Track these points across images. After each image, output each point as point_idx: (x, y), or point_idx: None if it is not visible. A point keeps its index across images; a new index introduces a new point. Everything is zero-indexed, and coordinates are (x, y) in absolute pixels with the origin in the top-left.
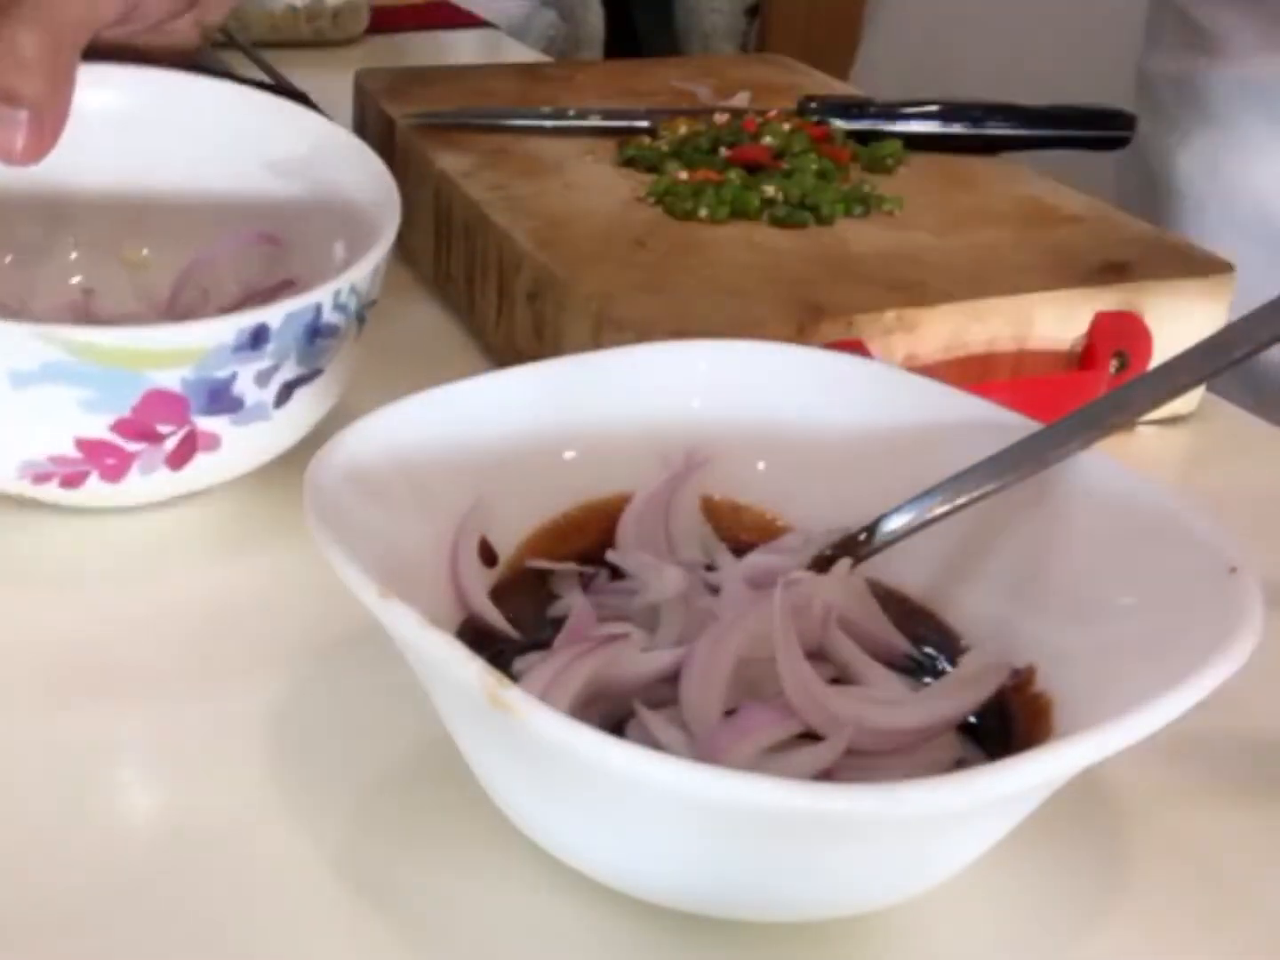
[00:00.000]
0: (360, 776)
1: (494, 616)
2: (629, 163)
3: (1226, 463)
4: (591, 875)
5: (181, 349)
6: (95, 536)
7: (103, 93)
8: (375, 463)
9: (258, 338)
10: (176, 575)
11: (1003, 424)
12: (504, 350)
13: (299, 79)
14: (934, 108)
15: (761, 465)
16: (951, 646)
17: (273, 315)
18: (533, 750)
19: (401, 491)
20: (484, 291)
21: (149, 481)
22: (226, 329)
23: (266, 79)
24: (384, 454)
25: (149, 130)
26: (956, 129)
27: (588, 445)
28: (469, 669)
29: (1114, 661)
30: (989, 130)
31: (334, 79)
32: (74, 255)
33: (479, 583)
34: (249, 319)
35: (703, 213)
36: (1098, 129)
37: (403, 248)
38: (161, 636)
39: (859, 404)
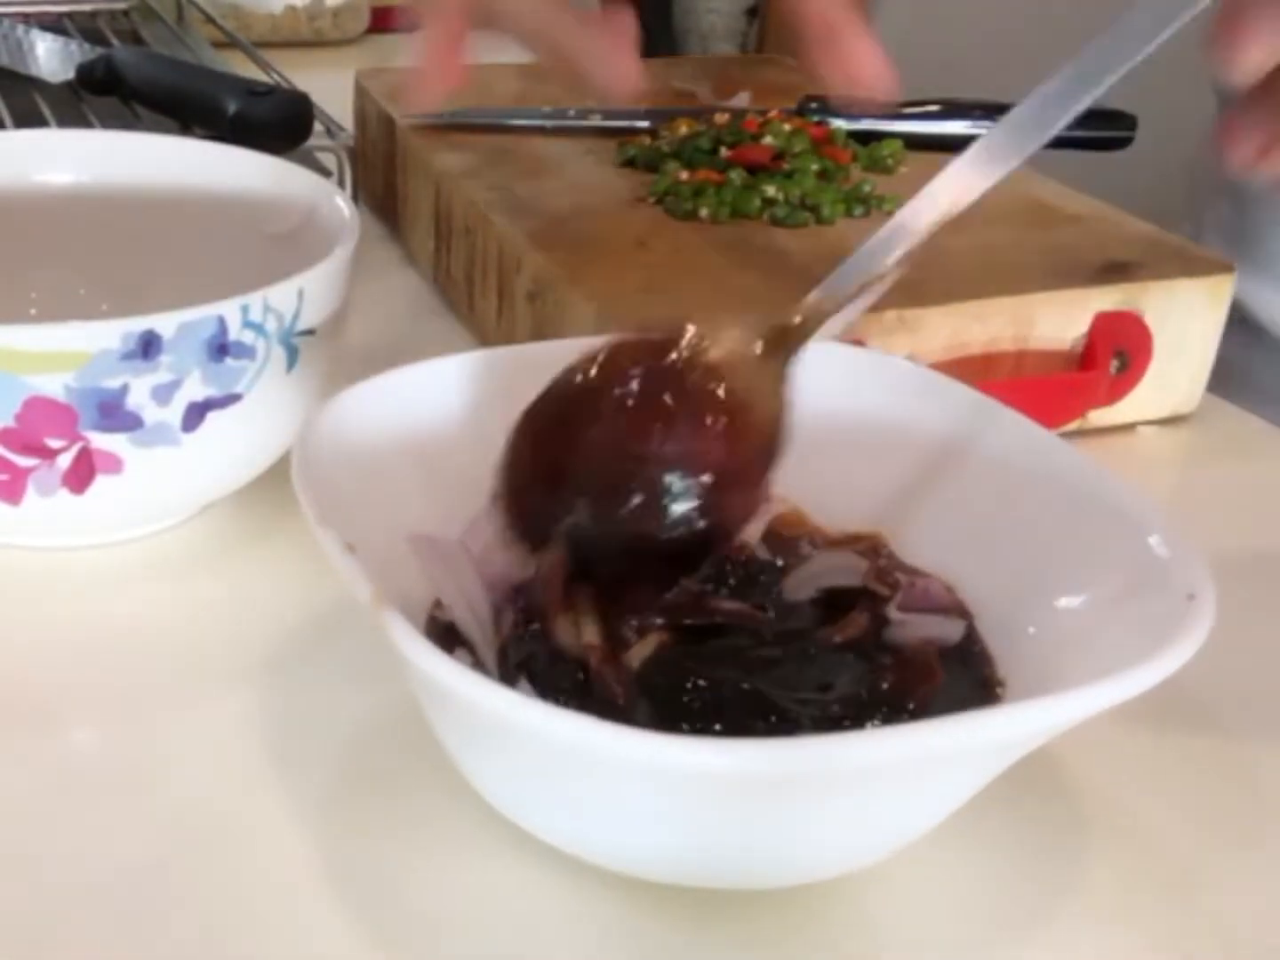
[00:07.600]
0: (345, 774)
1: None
2: (629, 163)
3: (1226, 463)
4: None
5: (62, 352)
6: (68, 560)
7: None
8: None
9: (148, 346)
10: (146, 593)
11: (1009, 421)
12: None
13: (299, 79)
14: (934, 108)
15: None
16: None
17: (164, 323)
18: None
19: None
20: (484, 291)
21: (53, 505)
22: (111, 333)
23: (267, 79)
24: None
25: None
26: (956, 129)
27: None
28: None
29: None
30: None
31: (334, 79)
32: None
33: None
34: (137, 324)
35: (703, 213)
36: (1098, 129)
37: (403, 248)
38: (138, 649)
39: (867, 394)
